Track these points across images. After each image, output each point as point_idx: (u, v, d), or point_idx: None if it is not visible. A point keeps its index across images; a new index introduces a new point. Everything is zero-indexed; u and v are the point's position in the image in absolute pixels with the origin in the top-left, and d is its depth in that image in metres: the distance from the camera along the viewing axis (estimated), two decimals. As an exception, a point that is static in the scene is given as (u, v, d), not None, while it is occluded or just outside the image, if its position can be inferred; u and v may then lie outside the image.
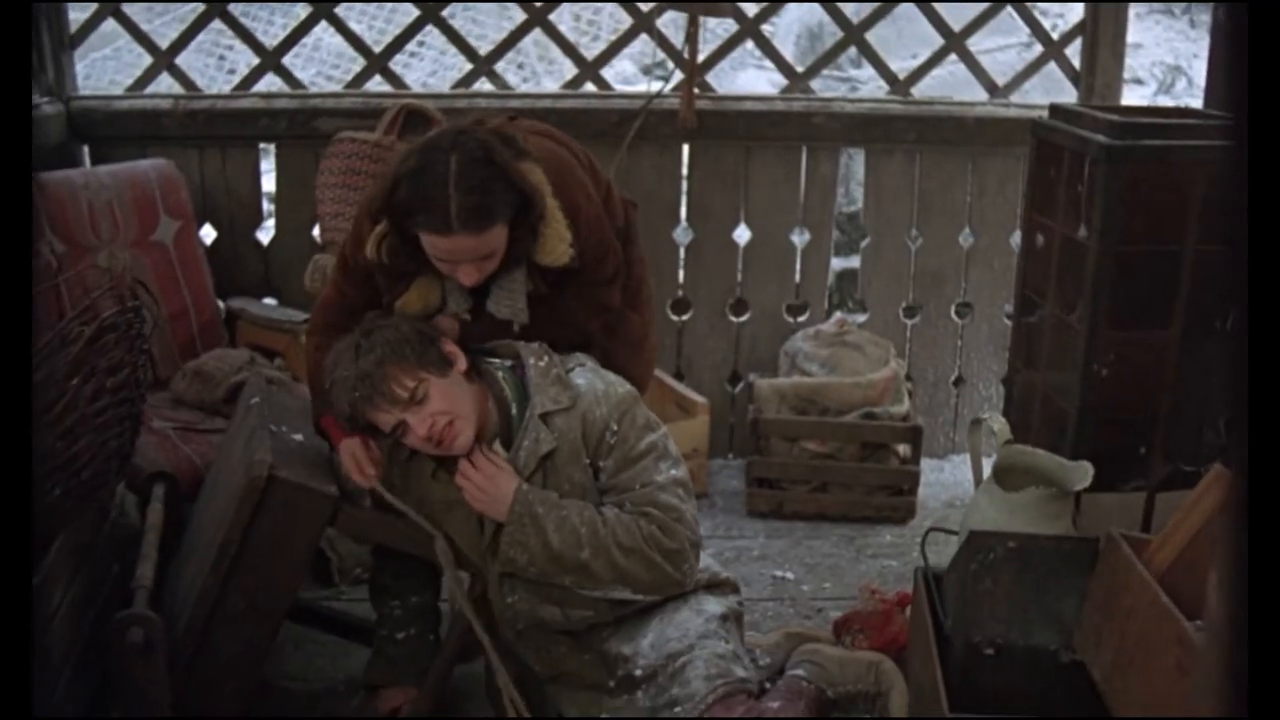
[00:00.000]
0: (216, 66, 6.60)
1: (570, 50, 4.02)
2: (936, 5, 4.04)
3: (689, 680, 2.41)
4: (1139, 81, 7.96)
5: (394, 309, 2.56)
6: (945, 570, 2.60)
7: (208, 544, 2.37)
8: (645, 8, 3.92)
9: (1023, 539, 2.47)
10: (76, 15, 3.84)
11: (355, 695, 2.69)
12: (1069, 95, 4.14)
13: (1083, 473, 2.54)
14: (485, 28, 6.04)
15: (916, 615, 2.66)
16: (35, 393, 2.00)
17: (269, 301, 3.84)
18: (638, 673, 2.47)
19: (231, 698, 2.36)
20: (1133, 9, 4.92)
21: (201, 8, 3.89)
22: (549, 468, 2.42)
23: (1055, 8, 7.02)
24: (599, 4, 6.83)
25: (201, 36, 4.07)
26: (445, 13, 3.92)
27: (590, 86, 4.00)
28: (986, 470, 2.79)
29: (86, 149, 3.81)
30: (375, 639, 2.69)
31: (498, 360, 2.52)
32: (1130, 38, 4.48)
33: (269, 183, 4.00)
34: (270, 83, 3.95)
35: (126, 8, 3.83)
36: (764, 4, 4.07)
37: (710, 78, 4.06)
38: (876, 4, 4.07)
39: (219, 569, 2.27)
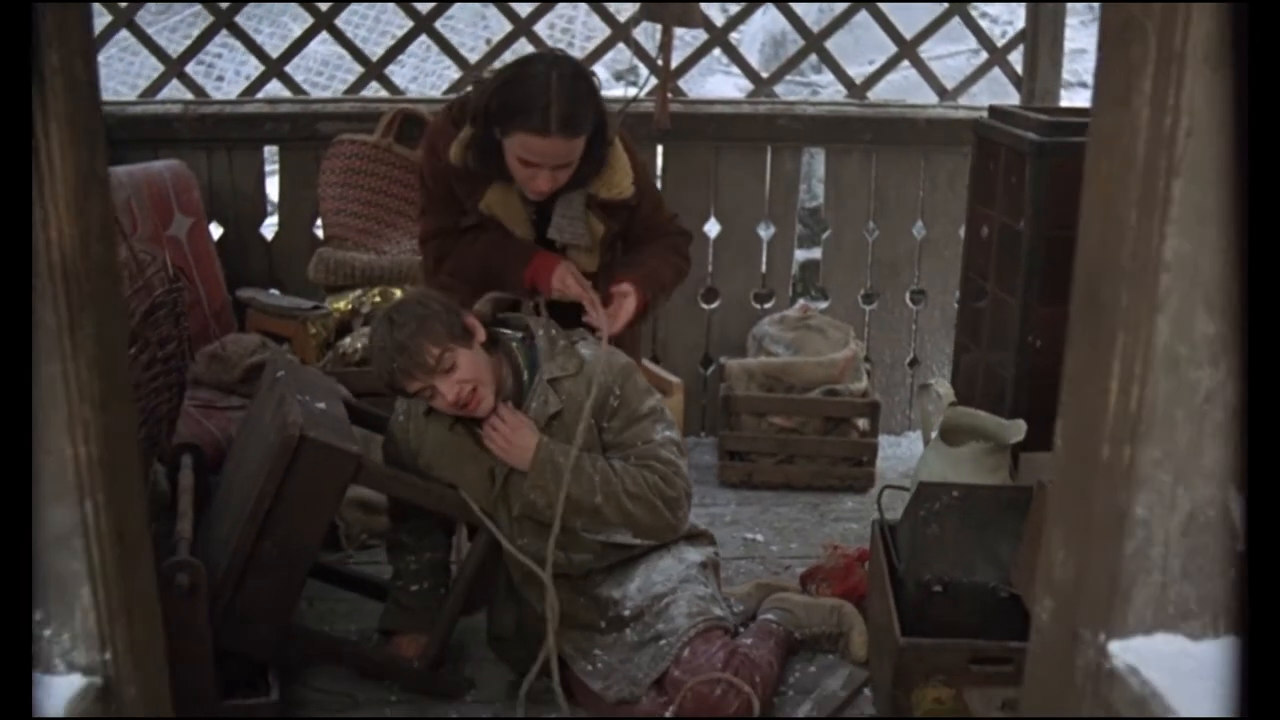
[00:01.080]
0: (205, 74, 6.85)
1: (552, 57, 4.30)
2: (890, 15, 4.35)
3: (673, 617, 2.72)
4: (1084, 85, 8.29)
5: (478, 210, 2.92)
6: (898, 520, 2.92)
7: (241, 500, 2.65)
8: (622, 17, 4.22)
9: (965, 489, 2.78)
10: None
11: (369, 640, 2.98)
12: (1013, 98, 4.45)
13: (1017, 428, 2.85)
14: (463, 35, 6.33)
15: (874, 560, 2.97)
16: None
17: (274, 292, 4.11)
18: (626, 612, 2.78)
19: (264, 636, 2.65)
20: (1079, 17, 5.26)
21: (205, 20, 4.16)
22: (555, 426, 2.72)
23: (1004, 15, 7.36)
24: (571, 12, 7.13)
25: (187, 44, 4.32)
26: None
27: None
28: (934, 431, 3.11)
29: (100, 151, 4.06)
30: (390, 590, 2.98)
31: (509, 332, 2.83)
32: (1077, 44, 4.81)
33: (272, 182, 4.27)
34: (272, 89, 4.23)
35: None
36: (739, 1, 4.33)
37: (681, 83, 4.35)
38: (839, 5, 4.36)
39: (254, 520, 2.55)
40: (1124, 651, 0.98)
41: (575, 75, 2.76)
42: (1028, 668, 1.09)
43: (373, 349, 2.71)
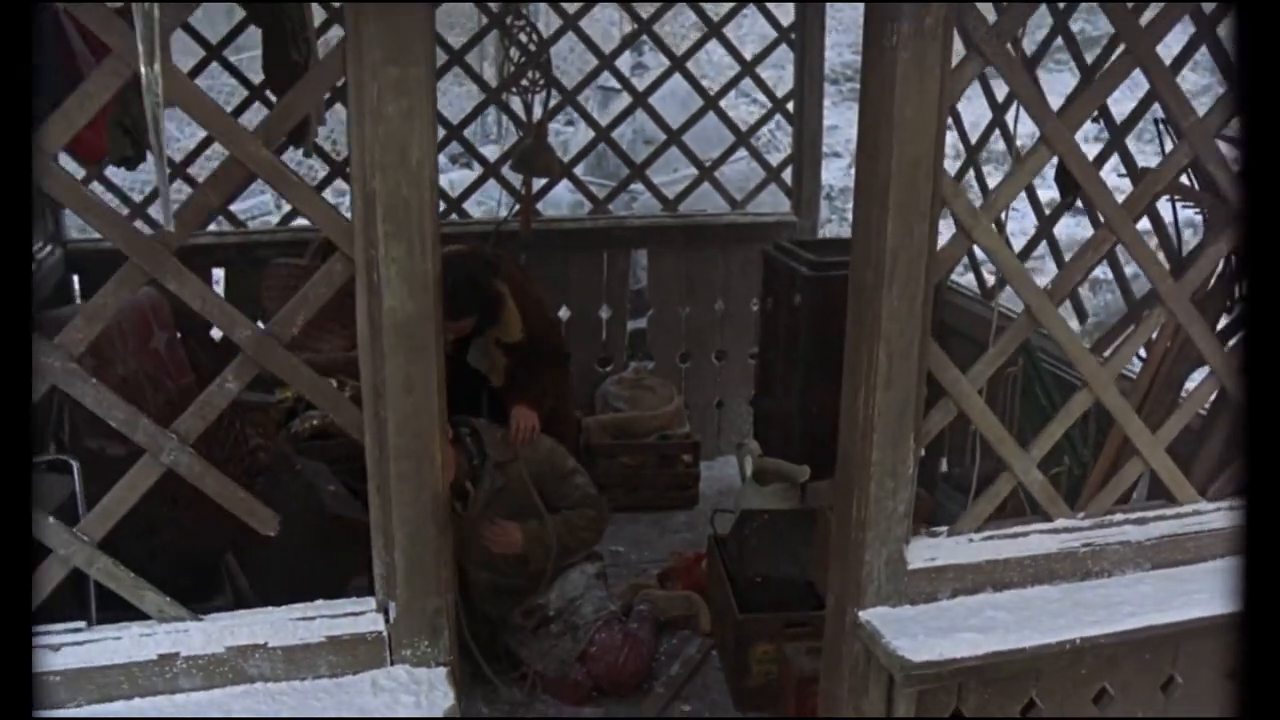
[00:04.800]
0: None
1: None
2: (690, 144, 5.65)
3: (584, 614, 4.00)
4: (837, 155, 9.77)
5: None
6: (727, 535, 4.23)
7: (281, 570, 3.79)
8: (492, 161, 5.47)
9: (773, 513, 4.10)
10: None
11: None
12: (784, 203, 5.81)
13: (804, 471, 4.25)
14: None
15: (711, 563, 4.29)
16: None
17: (224, 383, 5.14)
18: (550, 613, 4.03)
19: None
20: (828, 98, 6.63)
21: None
22: (503, 495, 3.96)
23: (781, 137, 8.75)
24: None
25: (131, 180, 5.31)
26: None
27: (454, 216, 5.50)
28: (749, 473, 4.49)
29: (76, 279, 5.01)
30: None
31: (464, 430, 4.06)
32: (827, 121, 6.10)
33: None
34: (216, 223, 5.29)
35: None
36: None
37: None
38: (651, 132, 5.62)
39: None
40: (865, 615, 2.34)
41: (466, 284, 4.04)
42: (826, 626, 2.45)
43: None
